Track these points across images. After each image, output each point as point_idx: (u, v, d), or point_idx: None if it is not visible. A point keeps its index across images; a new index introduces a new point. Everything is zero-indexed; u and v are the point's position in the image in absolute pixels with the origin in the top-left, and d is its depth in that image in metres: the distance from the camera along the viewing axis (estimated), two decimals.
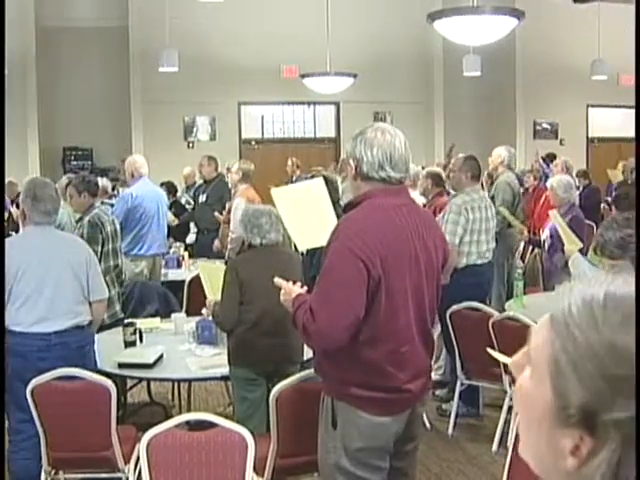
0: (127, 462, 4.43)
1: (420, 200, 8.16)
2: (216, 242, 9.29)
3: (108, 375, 4.56)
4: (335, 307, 3.16)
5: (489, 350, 2.82)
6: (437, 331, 5.73)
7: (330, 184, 5.35)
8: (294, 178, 12.59)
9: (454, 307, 5.90)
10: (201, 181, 10.50)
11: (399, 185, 3.39)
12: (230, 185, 9.51)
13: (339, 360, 3.32)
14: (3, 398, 3.80)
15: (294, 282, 3.48)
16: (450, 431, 6.12)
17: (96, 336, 5.03)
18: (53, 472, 4.53)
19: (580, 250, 5.64)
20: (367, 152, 3.30)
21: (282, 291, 3.44)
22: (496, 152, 8.81)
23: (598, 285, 1.02)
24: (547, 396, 1.01)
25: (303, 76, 13.42)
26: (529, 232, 8.49)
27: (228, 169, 10.75)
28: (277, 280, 3.48)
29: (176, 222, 10.36)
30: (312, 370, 3.73)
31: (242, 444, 3.52)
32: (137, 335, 5.39)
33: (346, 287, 3.16)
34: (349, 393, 3.31)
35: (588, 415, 0.96)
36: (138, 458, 3.81)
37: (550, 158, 13.26)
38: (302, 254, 6.17)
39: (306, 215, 4.28)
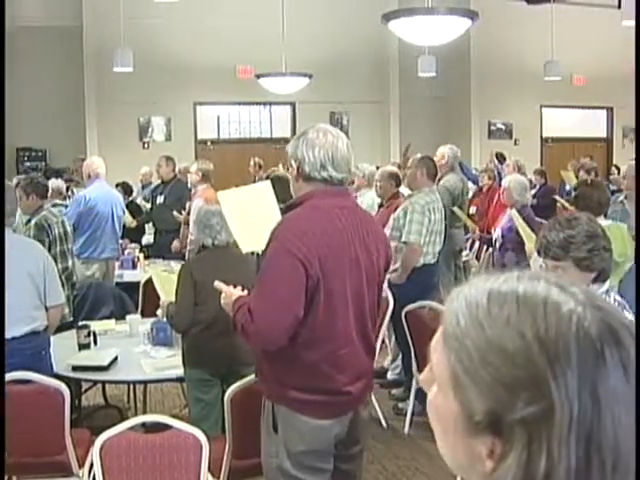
0: (81, 466, 4.38)
1: (376, 200, 8.21)
2: (175, 242, 9.25)
3: (62, 378, 4.52)
4: (273, 308, 3.13)
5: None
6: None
7: (285, 184, 5.34)
8: (256, 178, 12.55)
9: (409, 307, 5.94)
10: (158, 181, 10.44)
11: (341, 186, 3.37)
12: (189, 185, 9.48)
13: (279, 363, 3.29)
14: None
15: (235, 285, 3.44)
16: (406, 430, 6.15)
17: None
18: (6, 478, 4.48)
19: None
20: (309, 153, 3.28)
21: (222, 294, 3.41)
22: (440, 152, 8.76)
23: (480, 288, 1.04)
24: (454, 408, 1.02)
25: (258, 76, 13.41)
26: (483, 231, 8.56)
27: (181, 171, 10.69)
28: (217, 284, 3.47)
29: (134, 223, 10.29)
30: None
31: (196, 446, 3.50)
32: (91, 337, 5.35)
33: (284, 288, 3.14)
34: (288, 396, 3.29)
35: (493, 420, 0.98)
36: (93, 462, 3.77)
37: (502, 157, 13.40)
38: (257, 255, 6.17)
39: (251, 217, 4.26)
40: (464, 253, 9.12)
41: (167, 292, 4.97)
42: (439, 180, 8.91)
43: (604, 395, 0.95)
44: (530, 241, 5.88)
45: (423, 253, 6.48)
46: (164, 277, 5.38)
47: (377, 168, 8.82)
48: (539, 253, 3.39)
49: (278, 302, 3.14)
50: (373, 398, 6.33)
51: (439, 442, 1.09)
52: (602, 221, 5.95)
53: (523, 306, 0.99)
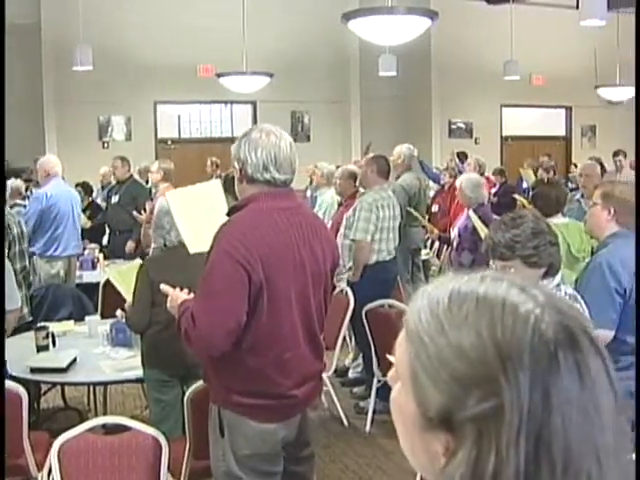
0: (40, 469, 4.34)
1: (336, 199, 8.24)
2: (129, 243, 9.21)
3: (20, 381, 4.47)
4: (215, 313, 3.10)
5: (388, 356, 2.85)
6: None
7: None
8: (214, 178, 12.51)
9: (369, 305, 5.96)
10: (114, 182, 10.38)
11: (285, 188, 3.33)
12: (150, 185, 9.42)
13: (223, 367, 3.27)
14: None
15: (182, 288, 3.42)
16: (367, 428, 6.17)
17: (6, 341, 4.92)
18: None
19: None
20: (251, 154, 3.24)
21: (168, 298, 3.39)
22: (396, 151, 8.80)
23: (444, 287, 1.05)
24: (412, 404, 1.04)
25: (219, 75, 13.37)
26: (445, 230, 8.60)
27: (141, 170, 10.62)
28: (163, 287, 3.45)
29: (89, 224, 10.22)
30: None
31: (156, 447, 3.49)
32: (50, 339, 5.30)
33: (226, 293, 3.11)
34: (234, 401, 3.27)
35: (445, 417, 0.99)
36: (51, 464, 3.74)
37: (462, 157, 13.48)
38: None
39: (199, 217, 4.23)
40: (424, 252, 9.18)
41: (130, 290, 4.94)
42: (396, 179, 8.97)
43: (555, 397, 0.96)
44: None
45: (376, 250, 6.53)
46: (124, 272, 5.33)
47: (337, 167, 8.84)
48: (487, 254, 3.42)
49: (220, 307, 3.10)
50: (334, 397, 6.36)
51: (401, 440, 1.10)
52: (560, 219, 6.03)
53: (482, 306, 1.00)
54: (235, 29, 13.28)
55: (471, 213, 6.74)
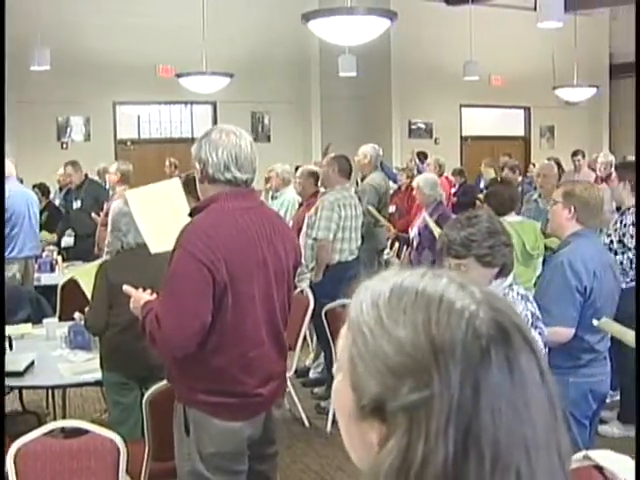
0: None
1: (297, 199, 8.24)
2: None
3: None
4: (180, 314, 3.11)
5: None
6: None
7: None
8: (172, 178, 12.45)
9: (329, 305, 5.97)
10: (73, 187, 10.25)
11: (246, 187, 3.35)
12: (108, 186, 9.34)
13: (188, 367, 3.28)
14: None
15: (145, 288, 3.42)
16: (328, 428, 6.17)
17: None
18: None
19: None
20: (212, 154, 3.25)
21: (131, 299, 3.38)
22: (362, 151, 8.83)
23: (387, 281, 1.08)
24: (349, 393, 1.06)
25: (179, 75, 13.31)
26: (403, 230, 8.64)
27: (99, 172, 10.54)
28: (125, 288, 3.44)
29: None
30: None
31: (113, 449, 3.46)
32: (7, 342, 5.24)
33: (191, 293, 3.12)
34: (199, 400, 3.28)
35: (378, 405, 1.02)
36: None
37: (423, 156, 13.56)
38: None
39: (160, 216, 4.22)
40: (385, 252, 9.21)
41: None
42: (362, 179, 9.00)
43: (485, 391, 0.98)
44: None
45: (338, 250, 6.54)
46: (87, 271, 5.28)
47: (297, 169, 8.84)
48: (442, 252, 3.45)
49: (185, 309, 3.11)
50: (295, 397, 6.36)
51: (343, 433, 1.13)
52: (514, 217, 6.10)
53: (420, 300, 1.03)
54: (195, 29, 13.23)
55: (425, 214, 6.80)
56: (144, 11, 15.53)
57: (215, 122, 16.85)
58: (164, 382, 4.06)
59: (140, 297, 3.35)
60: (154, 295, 3.35)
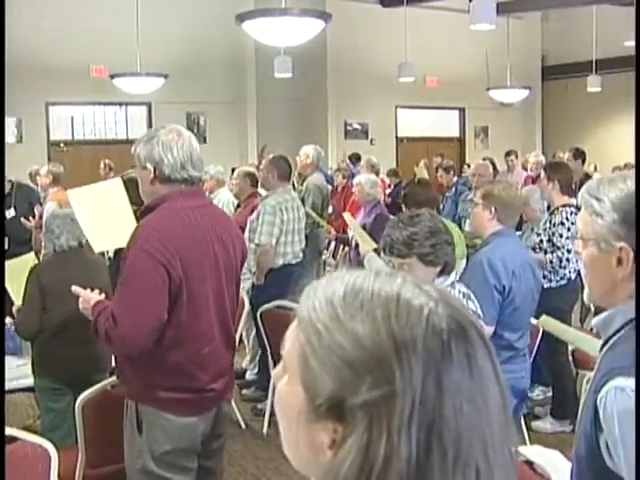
0: None
1: (231, 200, 8.21)
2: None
3: None
4: (137, 312, 3.15)
5: None
6: None
7: (137, 186, 5.28)
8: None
9: (265, 306, 5.96)
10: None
11: (196, 187, 3.43)
12: (39, 189, 9.19)
13: (143, 364, 3.31)
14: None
15: (92, 289, 3.42)
16: (265, 430, 6.15)
17: None
18: None
19: (376, 249, 5.84)
20: (167, 154, 3.28)
21: (80, 299, 3.38)
22: (304, 152, 8.88)
23: (339, 280, 1.06)
24: (300, 394, 1.03)
25: (113, 76, 13.17)
26: (339, 231, 8.68)
27: (32, 174, 10.38)
28: (74, 288, 3.43)
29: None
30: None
31: (45, 457, 3.40)
32: None
33: (147, 291, 3.16)
34: (154, 396, 3.30)
35: (335, 403, 0.99)
36: None
37: (355, 158, 13.62)
38: (109, 259, 6.06)
39: (103, 216, 4.21)
40: (324, 252, 9.24)
41: (20, 292, 4.82)
42: (304, 180, 9.01)
43: (447, 386, 0.98)
44: (364, 242, 6.02)
45: (281, 253, 6.52)
46: (14, 271, 5.18)
47: (233, 170, 8.83)
48: (384, 251, 3.48)
49: (142, 306, 3.15)
50: (232, 400, 6.32)
51: (285, 437, 1.10)
52: None
53: (377, 297, 1.02)
54: (129, 29, 13.09)
55: (347, 216, 6.84)
56: (76, 11, 15.32)
57: (150, 123, 16.72)
58: (98, 386, 4.03)
59: (90, 297, 3.36)
60: (102, 295, 3.38)
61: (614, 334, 1.99)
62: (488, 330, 4.27)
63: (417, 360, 0.97)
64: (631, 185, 1.92)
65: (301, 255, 6.78)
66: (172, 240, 3.21)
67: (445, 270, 3.45)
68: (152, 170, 3.31)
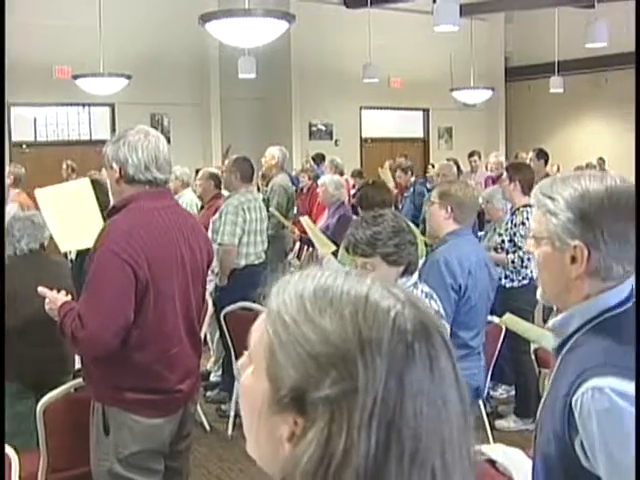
0: None
1: (195, 201, 8.19)
2: None
3: None
4: (104, 312, 3.15)
5: None
6: None
7: (103, 187, 5.26)
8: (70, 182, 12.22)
9: (228, 308, 5.94)
10: None
11: (163, 188, 3.44)
12: None
13: (109, 365, 3.30)
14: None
15: (59, 290, 3.42)
16: (230, 432, 6.15)
17: None
18: None
19: (334, 252, 5.87)
20: (132, 155, 3.31)
21: (46, 300, 3.38)
22: (269, 152, 8.91)
23: (309, 277, 1.09)
24: (264, 385, 1.05)
25: (76, 77, 13.07)
26: (303, 232, 8.67)
27: None
28: (41, 289, 3.42)
29: None
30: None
31: (5, 462, 3.37)
32: None
33: (114, 292, 3.16)
34: (121, 398, 3.30)
35: (298, 395, 1.01)
36: None
37: (319, 158, 13.64)
38: (71, 260, 6.01)
39: (71, 215, 4.20)
40: (289, 253, 9.25)
41: None
42: (268, 182, 9.01)
43: (409, 386, 1.00)
44: (322, 245, 6.03)
45: (244, 254, 6.51)
46: None
47: (197, 171, 8.80)
48: (347, 251, 3.49)
49: (108, 306, 3.15)
50: (198, 401, 6.30)
51: (247, 429, 1.12)
52: None
53: (346, 296, 1.04)
54: (92, 29, 13.00)
55: (304, 219, 6.85)
56: (38, 10, 15.18)
57: (114, 124, 16.61)
58: (61, 389, 4.00)
59: (56, 298, 3.35)
60: (69, 296, 3.38)
61: (572, 334, 2.00)
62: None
63: (381, 359, 0.99)
64: (585, 185, 1.94)
65: (264, 256, 6.78)
66: (138, 240, 3.22)
67: (408, 270, 3.47)
68: (118, 170, 3.34)
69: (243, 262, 6.54)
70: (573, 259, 1.95)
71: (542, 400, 2.09)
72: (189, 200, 8.41)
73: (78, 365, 4.52)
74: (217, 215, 6.55)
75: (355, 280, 1.07)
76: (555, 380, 2.02)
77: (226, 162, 7.21)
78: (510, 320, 4.21)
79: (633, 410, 1.78)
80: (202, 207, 7.88)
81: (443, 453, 1.02)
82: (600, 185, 1.92)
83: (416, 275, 3.56)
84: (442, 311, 3.58)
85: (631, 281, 1.98)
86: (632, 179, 2.12)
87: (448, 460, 1.02)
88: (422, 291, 3.53)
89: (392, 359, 1.00)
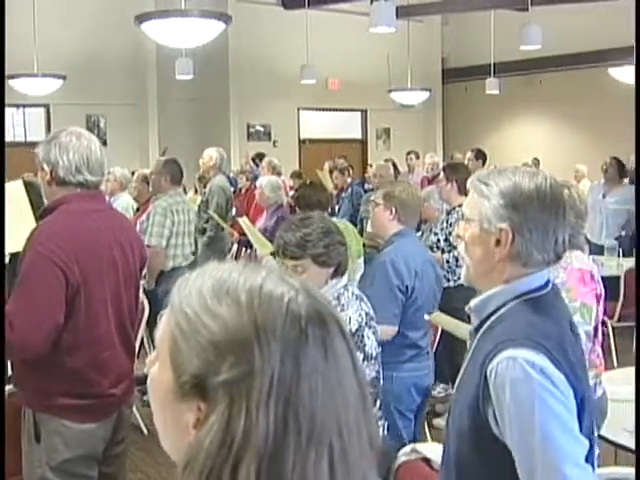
0: None
1: (131, 203, 8.12)
2: None
3: None
4: (33, 315, 3.10)
5: None
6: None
7: (34, 189, 5.18)
8: None
9: (163, 311, 5.89)
10: None
11: (95, 190, 3.40)
12: None
13: (40, 370, 3.25)
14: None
15: None
16: None
17: None
18: None
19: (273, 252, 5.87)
20: (63, 156, 3.27)
21: None
22: (207, 154, 8.87)
23: (209, 274, 1.15)
24: (168, 376, 1.10)
25: (9, 77, 12.85)
26: (242, 233, 8.66)
27: None
28: None
29: None
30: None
31: None
32: None
33: (44, 294, 3.12)
34: (52, 404, 3.25)
35: (199, 381, 1.06)
36: None
37: (259, 158, 13.63)
38: (5, 264, 5.91)
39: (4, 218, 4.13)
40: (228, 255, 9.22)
41: None
42: (206, 183, 8.97)
43: (304, 366, 1.05)
44: (261, 245, 6.04)
45: (171, 256, 6.47)
46: None
47: (133, 173, 8.72)
48: (277, 254, 3.50)
49: (38, 309, 3.10)
50: (133, 405, 6.24)
51: (157, 422, 1.17)
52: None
53: (242, 286, 1.10)
54: (26, 29, 12.80)
55: (243, 220, 6.84)
56: None
57: (49, 126, 16.38)
58: None
59: None
60: None
61: (490, 316, 2.15)
62: (392, 329, 4.33)
63: (276, 343, 1.05)
64: (519, 177, 2.13)
65: (192, 258, 6.75)
66: (70, 243, 3.19)
67: (338, 271, 3.48)
68: (49, 172, 3.30)
69: (171, 264, 6.51)
70: (498, 242, 2.11)
71: (457, 381, 2.22)
72: (125, 203, 8.34)
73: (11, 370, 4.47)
74: (144, 216, 6.51)
75: (251, 272, 1.13)
76: (471, 359, 2.15)
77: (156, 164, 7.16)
78: (439, 318, 4.25)
79: (544, 382, 1.94)
80: (137, 209, 7.82)
81: (340, 433, 1.06)
82: (532, 180, 2.12)
83: (346, 277, 3.57)
84: (372, 313, 3.59)
85: (550, 271, 2.20)
86: (565, 178, 2.29)
87: (345, 439, 1.06)
88: (352, 293, 3.54)
89: (286, 343, 1.05)
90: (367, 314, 3.48)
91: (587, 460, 2.01)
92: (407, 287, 4.40)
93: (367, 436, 1.11)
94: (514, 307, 2.11)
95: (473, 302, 2.22)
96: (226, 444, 1.02)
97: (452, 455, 2.20)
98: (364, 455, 1.10)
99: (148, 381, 1.16)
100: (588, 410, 2.08)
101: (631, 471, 2.85)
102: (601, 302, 3.72)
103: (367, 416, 1.12)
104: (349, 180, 11.08)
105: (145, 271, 6.37)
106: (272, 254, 5.69)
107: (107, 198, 8.95)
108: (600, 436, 3.19)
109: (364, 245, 6.73)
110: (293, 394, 1.04)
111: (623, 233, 9.58)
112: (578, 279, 3.58)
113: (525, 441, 1.96)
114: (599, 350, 3.76)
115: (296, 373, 1.04)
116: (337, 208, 10.21)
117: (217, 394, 1.04)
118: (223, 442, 1.03)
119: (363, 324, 3.42)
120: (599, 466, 2.61)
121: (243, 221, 6.82)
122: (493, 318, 2.14)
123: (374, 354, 3.44)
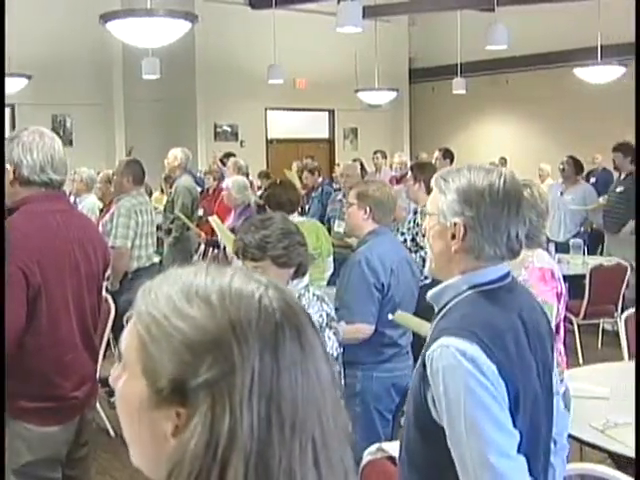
0: None
1: (97, 204, 8.07)
2: None
3: None
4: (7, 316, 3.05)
5: None
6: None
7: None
8: None
9: (129, 313, 5.86)
10: None
11: (58, 190, 3.36)
12: None
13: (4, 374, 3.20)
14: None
15: None
16: None
17: None
18: None
19: None
20: (27, 156, 3.21)
21: None
22: (172, 154, 8.83)
23: (173, 278, 1.13)
24: (140, 385, 1.08)
25: None
26: (209, 233, 8.64)
27: None
28: None
29: None
30: None
31: None
32: None
33: (5, 296, 3.06)
34: (14, 406, 3.19)
35: (177, 385, 1.04)
36: None
37: (228, 158, 13.59)
38: None
39: None
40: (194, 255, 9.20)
41: None
42: (172, 183, 8.94)
43: (282, 359, 1.05)
44: (230, 243, 6.04)
45: (135, 257, 6.44)
46: None
47: (98, 173, 8.67)
48: (237, 255, 3.49)
49: (7, 311, 3.04)
50: (99, 407, 6.18)
51: (128, 436, 1.14)
52: (296, 218, 6.21)
53: (211, 285, 1.09)
54: None
55: (213, 219, 6.83)
56: None
57: (14, 125, 16.20)
58: None
59: None
60: None
61: (445, 305, 2.24)
62: (369, 328, 4.32)
63: (253, 337, 1.04)
64: (474, 175, 2.22)
65: (155, 258, 6.74)
66: (32, 244, 3.14)
67: (299, 272, 3.48)
68: (12, 171, 3.24)
69: (135, 265, 6.48)
70: (453, 235, 2.20)
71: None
72: (92, 203, 8.28)
73: None
74: (108, 217, 6.47)
75: (217, 272, 1.12)
76: (426, 347, 2.21)
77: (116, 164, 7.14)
78: (401, 317, 4.25)
79: (474, 371, 2.03)
80: (102, 210, 7.78)
81: (321, 422, 1.07)
82: (486, 177, 2.21)
83: (307, 278, 3.57)
84: (333, 314, 3.60)
85: (509, 265, 2.30)
86: (530, 176, 2.39)
87: (326, 429, 1.07)
88: (313, 294, 3.54)
89: (263, 338, 1.04)
90: (328, 315, 3.49)
91: (519, 451, 2.08)
92: (383, 285, 4.38)
93: (342, 424, 1.12)
94: (466, 298, 2.21)
95: (431, 292, 2.31)
96: (212, 445, 1.01)
97: (404, 441, 2.30)
98: (341, 441, 1.11)
99: (116, 396, 1.14)
100: (530, 407, 2.15)
101: (598, 467, 2.88)
102: (562, 300, 3.75)
103: (339, 404, 1.13)
104: (320, 180, 11.09)
105: (109, 272, 6.35)
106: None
107: (73, 199, 8.92)
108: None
109: (333, 245, 6.73)
110: (274, 388, 1.04)
111: (582, 229, 9.75)
112: (539, 278, 3.62)
113: (454, 428, 2.05)
114: (561, 348, 3.79)
115: (276, 367, 1.04)
116: (307, 208, 10.22)
117: (198, 396, 1.03)
118: (209, 443, 1.01)
119: (324, 325, 3.44)
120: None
121: (213, 220, 6.80)
122: (446, 309, 2.23)
123: (335, 354, 3.46)
